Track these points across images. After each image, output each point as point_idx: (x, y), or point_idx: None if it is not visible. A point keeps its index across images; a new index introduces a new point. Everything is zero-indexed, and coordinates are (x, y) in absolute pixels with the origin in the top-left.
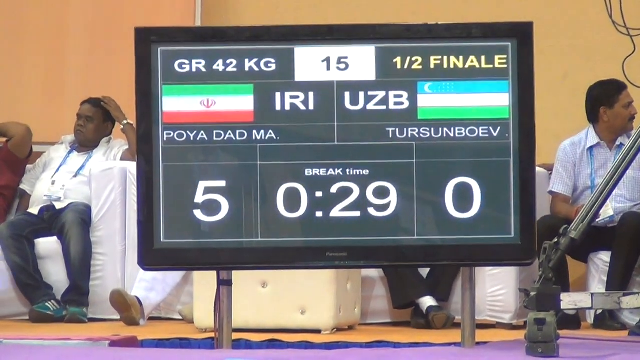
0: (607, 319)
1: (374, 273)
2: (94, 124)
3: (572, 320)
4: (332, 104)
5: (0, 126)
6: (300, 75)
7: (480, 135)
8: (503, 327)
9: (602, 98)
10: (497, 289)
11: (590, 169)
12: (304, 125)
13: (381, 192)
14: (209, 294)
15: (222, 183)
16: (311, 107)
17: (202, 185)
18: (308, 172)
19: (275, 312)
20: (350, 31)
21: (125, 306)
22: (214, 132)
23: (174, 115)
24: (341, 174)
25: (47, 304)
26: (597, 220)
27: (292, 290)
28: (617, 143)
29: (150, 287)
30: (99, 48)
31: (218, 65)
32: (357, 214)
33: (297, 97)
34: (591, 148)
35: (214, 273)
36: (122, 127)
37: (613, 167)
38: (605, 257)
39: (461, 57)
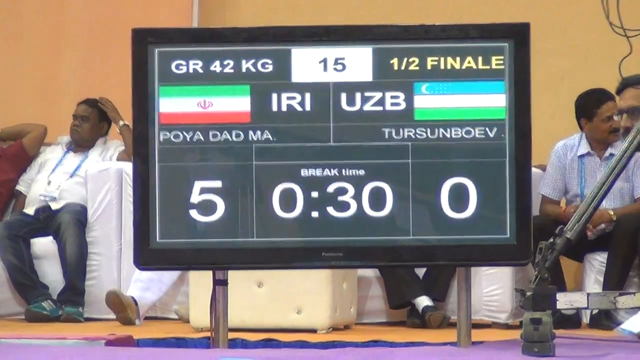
0: (603, 319)
1: (370, 273)
2: (89, 124)
3: (572, 320)
4: (328, 104)
5: (16, 127)
6: (297, 76)
7: (477, 136)
8: (499, 326)
9: (583, 109)
10: (493, 288)
11: (579, 177)
12: (300, 126)
13: (377, 193)
14: (205, 293)
15: (218, 183)
16: (307, 108)
17: (198, 185)
18: (304, 172)
19: (271, 311)
20: (347, 32)
21: (121, 307)
22: (211, 132)
23: (170, 116)
24: (337, 174)
25: (43, 303)
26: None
27: (288, 290)
28: (607, 154)
29: (146, 286)
30: (96, 49)
31: (215, 66)
32: (353, 214)
33: (294, 98)
34: (582, 156)
35: (210, 273)
36: (118, 129)
37: (603, 176)
38: (601, 257)
39: (458, 58)
